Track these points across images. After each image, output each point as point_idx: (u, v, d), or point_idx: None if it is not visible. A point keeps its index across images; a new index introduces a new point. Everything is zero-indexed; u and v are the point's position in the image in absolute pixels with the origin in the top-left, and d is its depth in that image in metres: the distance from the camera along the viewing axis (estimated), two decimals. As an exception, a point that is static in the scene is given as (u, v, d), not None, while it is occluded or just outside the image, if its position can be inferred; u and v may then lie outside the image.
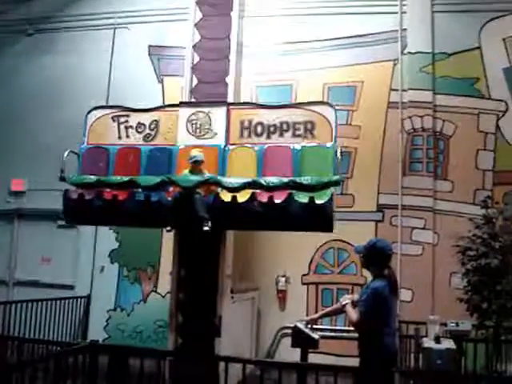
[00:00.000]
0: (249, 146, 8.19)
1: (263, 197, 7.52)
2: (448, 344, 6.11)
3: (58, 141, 11.31)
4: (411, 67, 10.35)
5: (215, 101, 8.52)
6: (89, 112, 8.85)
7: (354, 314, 5.56)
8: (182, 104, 8.61)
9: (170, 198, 7.82)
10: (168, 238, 9.46)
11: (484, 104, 10.11)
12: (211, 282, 8.11)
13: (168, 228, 7.95)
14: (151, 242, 10.86)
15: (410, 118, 10.24)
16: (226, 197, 7.63)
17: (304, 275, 10.33)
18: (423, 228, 9.92)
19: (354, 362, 5.82)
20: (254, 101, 10.81)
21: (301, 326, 5.78)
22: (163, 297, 10.54)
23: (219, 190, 7.73)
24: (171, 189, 7.92)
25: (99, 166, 8.46)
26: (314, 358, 6.02)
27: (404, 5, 10.57)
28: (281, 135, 8.15)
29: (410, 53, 10.40)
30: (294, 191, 7.45)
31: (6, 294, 11.67)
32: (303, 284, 10.32)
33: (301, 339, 5.72)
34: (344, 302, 5.75)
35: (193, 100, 8.84)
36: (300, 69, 10.80)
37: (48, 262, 11.84)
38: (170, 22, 11.34)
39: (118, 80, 11.74)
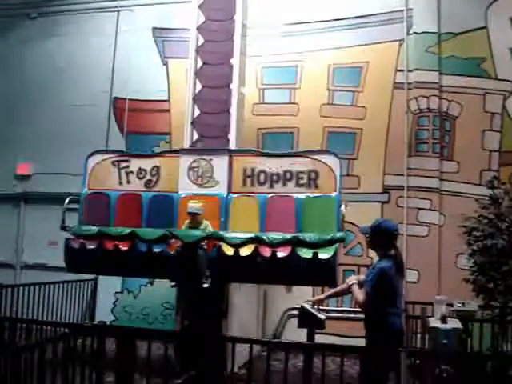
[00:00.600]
0: (251, 195, 8.10)
1: (266, 251, 7.44)
2: (454, 324, 6.11)
3: (63, 124, 11.36)
4: (417, 47, 10.28)
5: (217, 149, 8.46)
6: (89, 156, 8.74)
7: (360, 294, 5.57)
8: (182, 151, 8.54)
9: (172, 252, 7.79)
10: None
11: (490, 84, 10.05)
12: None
13: (173, 283, 7.95)
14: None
15: (415, 98, 10.20)
16: (229, 251, 7.57)
17: (310, 257, 10.33)
18: (429, 209, 9.91)
19: (361, 343, 5.84)
20: (259, 82, 10.82)
21: (307, 306, 5.80)
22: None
23: (222, 243, 7.68)
24: (173, 241, 7.86)
25: (100, 213, 8.41)
26: (320, 339, 6.04)
27: (409, -16, 10.49)
28: (284, 184, 8.05)
29: (415, 33, 10.33)
30: (297, 247, 7.37)
31: (14, 278, 11.76)
32: (309, 265, 10.32)
33: (307, 320, 5.74)
34: (350, 283, 5.75)
35: (197, 83, 8.79)
36: (305, 50, 10.76)
37: (55, 245, 11.86)
38: (174, 4, 11.30)
39: (123, 63, 11.71)
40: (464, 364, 5.36)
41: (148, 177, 8.53)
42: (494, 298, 7.71)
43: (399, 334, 5.57)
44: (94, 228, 8.05)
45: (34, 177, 12.03)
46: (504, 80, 9.99)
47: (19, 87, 12.31)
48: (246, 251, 7.50)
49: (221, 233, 7.67)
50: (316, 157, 8.00)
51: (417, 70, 10.26)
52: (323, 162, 7.93)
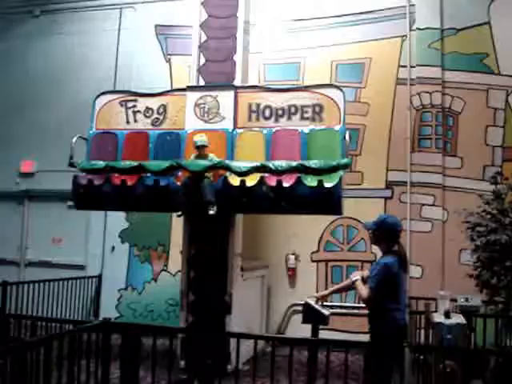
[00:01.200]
0: (257, 129, 8.17)
1: (272, 180, 7.51)
2: (458, 319, 6.12)
3: (67, 121, 11.37)
4: (420, 43, 10.27)
5: (223, 85, 8.49)
6: (96, 97, 8.84)
7: (364, 290, 5.59)
8: (189, 88, 8.58)
9: (179, 183, 7.85)
10: (178, 218, 9.51)
11: (493, 80, 10.04)
12: (221, 260, 8.17)
13: (178, 213, 8.00)
14: (161, 222, 10.91)
15: (418, 94, 10.20)
16: (235, 181, 7.64)
17: (313, 253, 10.37)
18: (432, 204, 9.92)
19: (365, 339, 5.86)
20: (261, 79, 10.83)
21: (311, 302, 5.82)
22: (174, 276, 10.64)
23: (228, 174, 7.74)
24: (180, 173, 7.94)
25: (108, 151, 8.47)
26: (324, 335, 6.06)
27: (412, -20, 10.48)
28: (289, 118, 8.11)
29: (418, 29, 10.31)
30: (302, 175, 7.44)
31: (18, 275, 11.80)
32: (313, 261, 10.36)
33: (311, 315, 5.75)
34: (354, 279, 5.77)
35: (200, 79, 8.81)
36: (308, 46, 10.76)
37: (59, 243, 11.93)
38: (177, 1, 11.30)
39: (125, 60, 11.73)
40: (467, 359, 5.37)
41: (155, 115, 8.61)
42: (497, 293, 7.74)
43: (403, 330, 5.59)
44: (102, 162, 8.14)
45: (37, 174, 12.05)
46: (507, 75, 9.97)
47: (22, 85, 12.33)
48: (251, 181, 7.57)
49: (227, 162, 7.73)
50: (320, 90, 8.05)
51: (419, 65, 10.25)
52: (327, 96, 7.99)
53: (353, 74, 10.50)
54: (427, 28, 10.27)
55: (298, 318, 6.40)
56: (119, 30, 11.94)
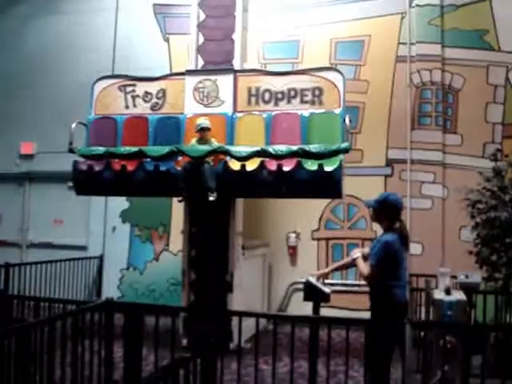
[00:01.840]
0: (256, 113, 8.18)
1: (272, 165, 7.56)
2: (458, 296, 6.15)
3: (65, 102, 11.35)
4: (419, 20, 10.21)
5: (222, 68, 8.49)
6: (95, 82, 8.86)
7: (364, 267, 5.61)
8: (188, 72, 8.58)
9: (179, 168, 7.86)
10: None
11: (493, 56, 9.99)
12: (222, 239, 8.19)
13: (179, 199, 8.04)
14: (162, 201, 10.91)
15: (418, 71, 10.16)
16: (235, 165, 7.68)
17: (314, 231, 10.41)
18: (433, 182, 9.93)
19: (366, 316, 5.89)
20: (261, 57, 10.78)
21: (312, 280, 5.84)
22: (175, 255, 10.67)
23: (228, 158, 7.76)
24: (180, 158, 7.96)
25: (107, 137, 8.49)
26: (325, 312, 6.09)
27: (411, -44, 10.39)
28: (288, 102, 8.14)
29: (418, 5, 10.25)
30: (302, 159, 7.47)
31: (20, 256, 11.85)
32: (313, 239, 10.40)
33: (313, 293, 5.78)
34: (355, 256, 5.79)
35: (199, 59, 8.77)
36: (307, 24, 10.70)
37: (60, 224, 11.96)
38: (175, -20, 11.22)
39: (124, 40, 11.66)
40: (468, 335, 5.42)
41: (154, 100, 8.66)
42: (497, 270, 7.77)
43: (403, 307, 5.62)
44: (101, 148, 8.18)
45: (37, 156, 12.05)
46: (507, 52, 9.92)
47: (20, 66, 12.27)
48: (251, 165, 7.62)
49: (227, 147, 7.78)
50: (320, 74, 8.10)
51: (419, 42, 10.20)
52: (327, 79, 8.02)
53: (352, 51, 10.46)
54: (427, 5, 10.20)
55: (300, 295, 6.43)
56: (117, 9, 11.84)
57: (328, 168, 7.34)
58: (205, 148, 7.70)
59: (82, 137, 8.60)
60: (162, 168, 7.96)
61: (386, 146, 10.23)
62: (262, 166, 7.60)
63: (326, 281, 6.31)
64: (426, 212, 9.86)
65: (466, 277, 7.11)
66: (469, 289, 7.04)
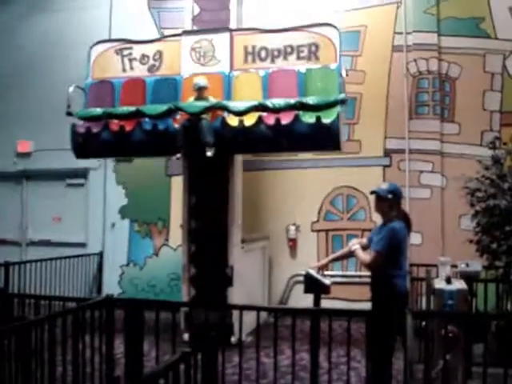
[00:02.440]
0: (253, 70, 8.22)
1: (270, 119, 7.61)
2: (459, 285, 6.13)
3: (62, 100, 11.25)
4: (415, 9, 10.18)
5: (218, 28, 8.52)
6: (92, 47, 8.89)
7: (365, 255, 5.64)
8: (184, 33, 8.61)
9: (177, 126, 7.91)
10: (177, 190, 9.55)
11: (490, 44, 9.96)
12: (222, 232, 8.18)
13: (177, 156, 8.04)
14: (160, 196, 10.93)
15: (415, 60, 10.14)
16: (233, 121, 7.75)
17: (314, 223, 10.39)
18: (431, 171, 9.92)
19: (366, 307, 5.89)
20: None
21: (312, 272, 5.83)
22: (175, 250, 10.66)
23: (226, 114, 7.80)
24: (178, 117, 8.00)
25: (105, 100, 8.52)
26: (326, 303, 6.09)
27: None
28: (285, 59, 8.18)
29: (413, -6, 10.21)
30: (300, 112, 7.52)
31: (20, 254, 11.83)
32: (313, 231, 10.39)
33: (313, 285, 5.78)
34: (353, 248, 5.80)
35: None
36: (302, 15, 10.61)
37: (59, 221, 11.95)
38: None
39: (119, 35, 11.50)
40: (469, 324, 5.41)
41: (151, 62, 8.68)
42: (497, 258, 7.75)
43: (404, 297, 5.63)
44: (99, 110, 8.24)
45: (34, 154, 12.02)
46: (504, 40, 9.89)
47: (16, 63, 12.20)
48: (249, 120, 7.67)
49: (225, 102, 7.84)
50: (315, 29, 8.13)
51: (415, 31, 10.17)
52: (323, 35, 8.06)
53: (348, 42, 10.34)
54: (422, -7, 10.16)
55: (300, 288, 6.43)
56: (111, 4, 11.78)
57: (326, 120, 7.41)
58: (202, 104, 7.76)
59: (79, 104, 8.64)
60: (161, 127, 8.01)
61: (384, 136, 10.20)
62: (259, 120, 7.65)
63: (327, 272, 6.32)
64: (425, 201, 9.85)
65: (467, 265, 7.09)
66: (469, 277, 7.02)
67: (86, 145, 8.38)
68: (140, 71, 8.64)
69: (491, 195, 7.86)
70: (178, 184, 9.64)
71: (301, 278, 6.96)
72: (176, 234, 10.19)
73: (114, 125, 8.17)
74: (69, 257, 10.24)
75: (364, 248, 5.82)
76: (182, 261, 8.44)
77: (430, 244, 9.58)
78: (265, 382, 6.21)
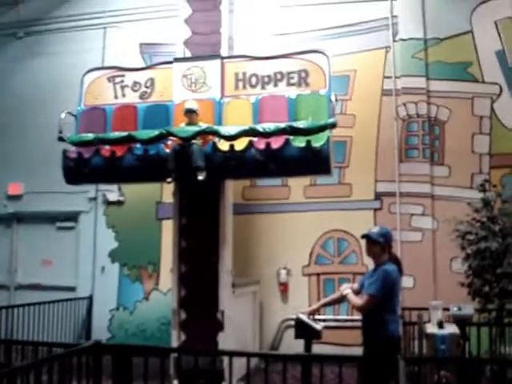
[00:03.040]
0: (244, 97, 8.27)
1: (260, 144, 7.63)
2: (451, 329, 6.11)
3: (53, 143, 11.25)
4: (403, 54, 10.33)
5: (209, 55, 8.63)
6: (84, 74, 8.92)
7: (357, 299, 5.60)
8: (176, 60, 8.69)
9: (168, 150, 7.92)
10: (167, 234, 9.52)
11: (478, 88, 10.09)
12: (212, 277, 8.12)
13: (169, 180, 7.97)
14: (151, 240, 10.87)
15: (404, 104, 10.24)
16: (224, 146, 7.75)
17: (305, 267, 10.33)
18: (422, 214, 9.93)
19: (358, 352, 5.82)
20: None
21: (303, 317, 5.78)
22: (165, 294, 10.56)
23: (216, 139, 7.84)
24: (169, 142, 8.01)
25: (96, 126, 8.51)
26: (317, 349, 6.02)
27: (394, -9, 10.54)
28: (275, 85, 8.24)
29: (401, 39, 10.37)
30: (291, 137, 7.56)
31: (8, 298, 11.68)
32: (304, 275, 10.32)
33: (304, 331, 5.72)
34: (344, 292, 5.76)
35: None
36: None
37: (49, 265, 11.83)
38: (160, 19, 11.27)
39: (111, 79, 11.68)
40: (462, 369, 5.34)
41: (143, 89, 8.69)
42: (490, 301, 7.72)
43: (397, 342, 5.57)
44: (91, 135, 8.20)
45: (25, 196, 11.97)
46: (491, 83, 10.03)
47: (8, 106, 12.25)
48: (240, 145, 7.66)
49: (215, 127, 7.86)
50: (305, 56, 8.21)
51: (404, 76, 10.30)
52: (312, 61, 8.13)
53: (338, 86, 10.45)
54: (410, 38, 10.33)
55: (292, 332, 6.35)
56: (104, 48, 11.91)
57: (316, 144, 7.44)
58: (193, 128, 7.79)
59: (71, 131, 8.63)
60: (152, 152, 8.01)
61: (375, 180, 10.23)
62: (250, 145, 7.67)
63: (318, 316, 6.25)
64: (416, 244, 9.83)
65: (459, 309, 7.07)
66: (462, 321, 6.99)
67: (77, 170, 8.34)
68: (132, 98, 8.68)
69: (482, 238, 7.88)
70: (168, 228, 9.61)
71: (292, 323, 6.90)
72: (166, 278, 10.11)
73: (105, 150, 8.18)
74: (58, 301, 10.12)
75: (356, 293, 5.78)
76: (172, 305, 8.35)
77: (421, 287, 9.52)
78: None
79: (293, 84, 8.16)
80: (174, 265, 8.39)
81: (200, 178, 7.58)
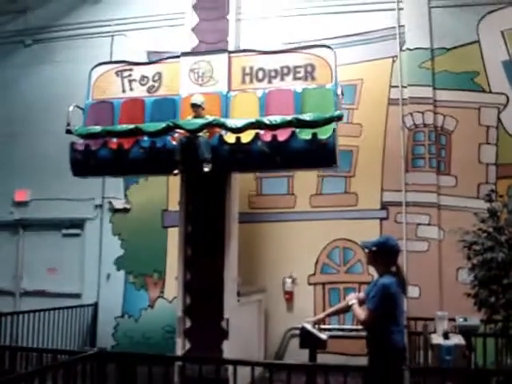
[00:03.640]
0: (251, 91, 8.31)
1: (267, 136, 7.66)
2: (457, 340, 6.08)
3: (60, 150, 11.31)
4: (410, 63, 10.34)
5: (216, 50, 8.71)
6: (92, 68, 8.99)
7: (361, 312, 5.53)
8: (183, 54, 8.72)
9: (175, 143, 7.95)
10: (173, 242, 9.51)
11: (484, 98, 10.09)
12: (217, 285, 8.11)
13: (175, 171, 7.99)
14: (156, 248, 10.87)
15: (410, 114, 10.23)
16: (230, 138, 7.78)
17: (310, 275, 10.31)
18: (428, 224, 9.90)
19: (363, 361, 5.79)
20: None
21: (308, 326, 5.75)
22: (170, 302, 10.55)
23: (223, 132, 7.86)
24: (176, 135, 8.04)
25: (104, 119, 8.54)
26: (323, 358, 6.00)
27: (401, 1, 10.55)
28: (282, 79, 8.28)
29: (408, 49, 10.38)
30: (297, 129, 7.59)
31: (14, 305, 11.68)
32: (310, 284, 10.30)
33: (309, 340, 5.69)
34: (350, 303, 5.71)
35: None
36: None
37: (54, 272, 11.85)
38: (167, 28, 11.35)
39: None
40: (468, 380, 5.31)
41: (150, 83, 8.74)
42: (496, 312, 7.68)
43: (402, 352, 5.52)
44: (98, 127, 8.23)
45: (31, 203, 12.00)
46: (498, 93, 10.03)
47: (16, 114, 12.32)
48: (246, 137, 7.68)
49: (222, 119, 7.87)
50: (311, 51, 8.24)
51: (411, 85, 10.30)
52: (319, 56, 8.16)
53: (345, 95, 10.45)
54: (417, 48, 10.33)
55: (297, 341, 6.32)
56: (111, 57, 11.92)
57: (322, 136, 7.45)
58: (200, 121, 7.82)
59: (78, 124, 8.65)
60: (159, 144, 8.04)
61: (381, 189, 10.22)
62: (256, 137, 7.68)
63: (323, 326, 6.22)
64: (422, 254, 9.80)
65: (465, 320, 7.04)
66: (468, 332, 6.96)
67: (84, 162, 8.37)
68: (139, 92, 8.73)
69: (488, 248, 7.83)
70: (174, 236, 9.61)
71: (297, 332, 6.88)
72: (171, 286, 10.11)
73: (113, 143, 8.21)
74: (63, 308, 10.13)
75: (362, 302, 5.73)
76: (177, 313, 8.34)
77: (427, 297, 9.49)
78: None
79: (299, 78, 8.20)
80: (179, 273, 8.39)
81: (206, 169, 7.61)
